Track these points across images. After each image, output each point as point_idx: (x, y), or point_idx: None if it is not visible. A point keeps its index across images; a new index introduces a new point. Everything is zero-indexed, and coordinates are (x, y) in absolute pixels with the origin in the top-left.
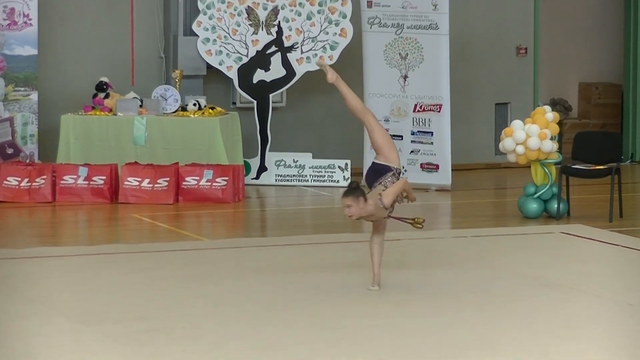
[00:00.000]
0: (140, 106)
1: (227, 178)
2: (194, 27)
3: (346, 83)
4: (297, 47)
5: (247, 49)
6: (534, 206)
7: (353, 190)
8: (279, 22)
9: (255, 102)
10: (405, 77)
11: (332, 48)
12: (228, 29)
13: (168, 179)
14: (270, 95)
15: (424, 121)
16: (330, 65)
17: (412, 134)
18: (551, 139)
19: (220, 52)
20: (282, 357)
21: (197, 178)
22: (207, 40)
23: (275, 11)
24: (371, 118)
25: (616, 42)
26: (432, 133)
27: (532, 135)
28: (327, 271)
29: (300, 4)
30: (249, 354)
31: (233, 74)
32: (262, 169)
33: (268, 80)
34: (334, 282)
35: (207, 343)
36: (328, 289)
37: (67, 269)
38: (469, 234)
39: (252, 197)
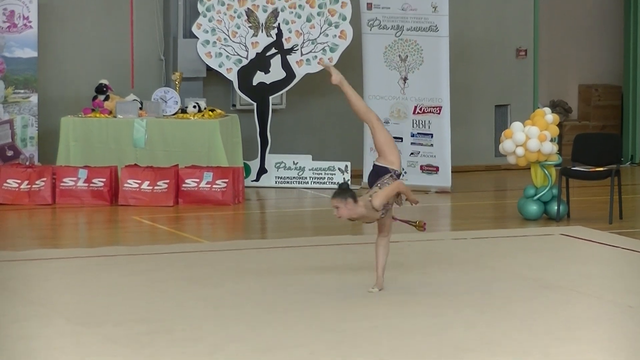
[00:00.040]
0: (140, 108)
1: (227, 180)
2: (194, 29)
3: None
4: (297, 49)
5: (247, 51)
6: (533, 208)
7: (341, 191)
8: (279, 24)
9: (255, 104)
10: (405, 79)
11: (332, 50)
12: (228, 31)
13: (168, 181)
14: (270, 98)
15: (423, 123)
16: None
17: (412, 135)
18: (551, 140)
19: (220, 54)
20: (282, 359)
21: (197, 180)
22: (207, 42)
23: (275, 13)
24: (374, 120)
25: (616, 44)
26: (432, 135)
27: (532, 137)
28: (327, 273)
29: (300, 6)
30: (249, 356)
31: (233, 76)
32: (262, 171)
33: (268, 83)
34: (334, 284)
35: (207, 345)
36: (328, 290)
37: (67, 271)
38: (469, 235)
39: (252, 199)
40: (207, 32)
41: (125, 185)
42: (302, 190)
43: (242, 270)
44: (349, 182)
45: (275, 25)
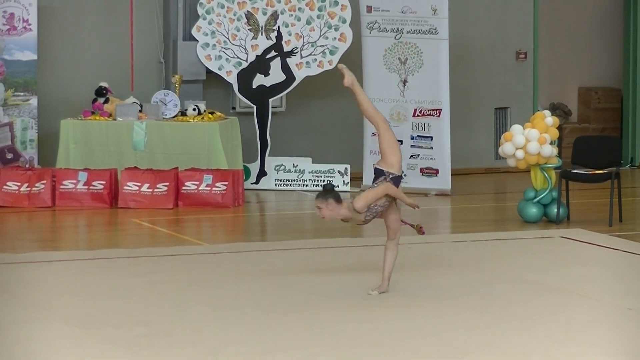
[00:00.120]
0: (140, 111)
1: (226, 183)
2: (194, 32)
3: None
4: (297, 52)
5: (247, 54)
6: (533, 211)
7: (324, 192)
8: (279, 26)
9: (254, 106)
10: (405, 81)
11: (332, 53)
12: (227, 33)
13: (168, 183)
14: (270, 100)
15: (423, 126)
16: (330, 71)
17: (412, 138)
18: (551, 143)
19: (220, 57)
20: None
21: (197, 183)
22: (207, 45)
23: (274, 16)
24: (380, 121)
25: (616, 47)
26: (431, 138)
27: (532, 139)
28: (327, 275)
29: (299, 8)
30: (249, 358)
31: (233, 79)
32: (262, 173)
33: (267, 85)
34: (334, 286)
35: (207, 347)
36: (328, 293)
37: (67, 274)
38: (469, 238)
39: (252, 202)
40: (206, 34)
41: (125, 187)
42: (301, 192)
43: (242, 273)
44: (334, 184)
45: (275, 27)
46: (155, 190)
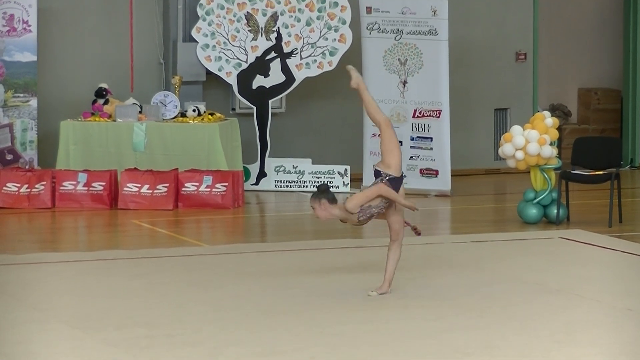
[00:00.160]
0: (140, 112)
1: (226, 184)
2: (193, 33)
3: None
4: (297, 53)
5: (247, 55)
6: (533, 211)
7: (317, 192)
8: (278, 28)
9: (254, 108)
10: (405, 82)
11: (332, 54)
12: (227, 35)
13: (167, 184)
14: (270, 101)
15: (423, 127)
16: (330, 72)
17: (412, 139)
18: (550, 144)
19: (220, 58)
20: None
21: (197, 184)
22: (207, 46)
23: (274, 17)
24: (382, 123)
25: (615, 48)
26: (431, 139)
27: (532, 140)
28: (327, 276)
29: (299, 10)
30: (249, 358)
31: (232, 80)
32: (262, 174)
33: (267, 86)
34: (334, 288)
35: (207, 348)
36: (328, 294)
37: (67, 275)
38: (469, 239)
39: (252, 203)
40: (206, 35)
41: (125, 189)
42: (301, 193)
43: (242, 274)
44: (328, 184)
45: (275, 29)
46: (155, 191)
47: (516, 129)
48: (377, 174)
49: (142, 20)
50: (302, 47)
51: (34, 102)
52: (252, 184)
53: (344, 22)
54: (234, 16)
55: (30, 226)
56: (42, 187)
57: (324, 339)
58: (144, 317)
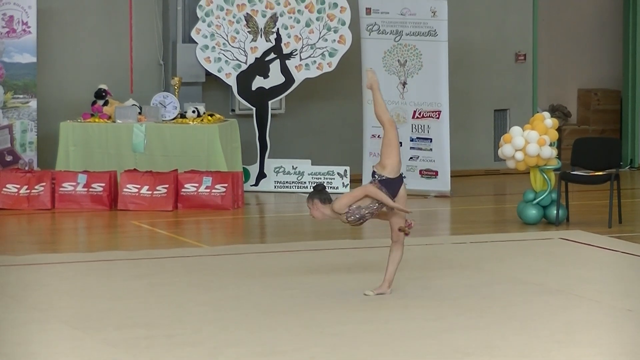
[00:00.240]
0: (139, 113)
1: (226, 185)
2: (193, 34)
3: (345, 90)
4: (296, 54)
5: (246, 56)
6: (533, 212)
7: (312, 193)
8: (278, 29)
9: (254, 109)
10: (404, 83)
11: (331, 55)
12: (227, 36)
13: (167, 185)
14: (269, 102)
15: (423, 128)
16: (330, 73)
17: (411, 140)
18: (550, 145)
19: (219, 59)
20: None
21: (196, 185)
22: (206, 47)
23: (274, 18)
24: (385, 123)
25: (615, 48)
26: (431, 139)
27: (531, 141)
28: (327, 277)
29: (299, 11)
30: (249, 359)
31: (232, 81)
32: (261, 175)
33: (267, 87)
34: (333, 288)
35: (207, 348)
36: (327, 294)
37: (67, 276)
38: (468, 240)
39: (252, 204)
40: (206, 37)
41: (125, 190)
42: (301, 194)
43: (242, 274)
44: (325, 184)
45: (274, 30)
46: (155, 192)
47: (516, 130)
48: (373, 174)
49: (141, 21)
50: (302, 48)
51: (33, 103)
52: (251, 185)
53: (343, 23)
54: (234, 17)
55: (30, 227)
56: (42, 188)
57: (324, 339)
58: (144, 318)
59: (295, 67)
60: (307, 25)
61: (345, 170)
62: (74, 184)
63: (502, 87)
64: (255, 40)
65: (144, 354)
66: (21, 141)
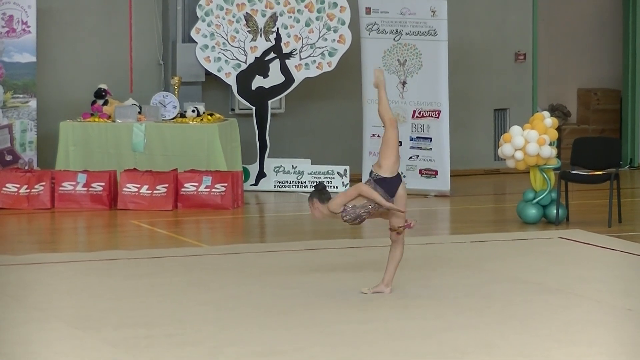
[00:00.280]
0: (139, 113)
1: (226, 184)
2: (193, 33)
3: (344, 89)
4: (296, 54)
5: (246, 56)
6: (533, 212)
7: (312, 192)
8: (278, 28)
9: (254, 108)
10: (404, 83)
11: (331, 54)
12: (227, 35)
13: (167, 185)
14: (269, 102)
15: (422, 127)
16: (329, 72)
17: (411, 139)
18: (550, 144)
19: (219, 58)
20: None
21: (196, 184)
22: (206, 47)
23: (273, 18)
24: (388, 123)
25: (615, 48)
26: (431, 139)
27: (531, 141)
28: (326, 276)
29: (298, 10)
30: (249, 358)
31: (232, 81)
32: (261, 175)
33: (267, 87)
34: (333, 287)
35: (207, 348)
36: (327, 294)
37: (67, 276)
38: (468, 239)
39: (251, 203)
40: (205, 36)
41: (125, 189)
42: (301, 194)
43: (242, 274)
44: (325, 184)
45: (274, 29)
46: (155, 191)
47: (515, 130)
48: (370, 174)
49: (141, 21)
50: (302, 47)
51: (33, 103)
52: (251, 185)
53: (343, 23)
54: (233, 17)
55: (29, 227)
56: (42, 188)
57: (324, 339)
58: (144, 317)
59: (295, 66)
60: (307, 24)
61: (345, 170)
62: (73, 183)
63: (501, 87)
64: (255, 40)
65: (144, 354)
66: (21, 141)
